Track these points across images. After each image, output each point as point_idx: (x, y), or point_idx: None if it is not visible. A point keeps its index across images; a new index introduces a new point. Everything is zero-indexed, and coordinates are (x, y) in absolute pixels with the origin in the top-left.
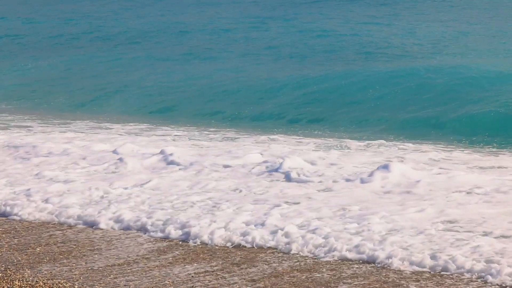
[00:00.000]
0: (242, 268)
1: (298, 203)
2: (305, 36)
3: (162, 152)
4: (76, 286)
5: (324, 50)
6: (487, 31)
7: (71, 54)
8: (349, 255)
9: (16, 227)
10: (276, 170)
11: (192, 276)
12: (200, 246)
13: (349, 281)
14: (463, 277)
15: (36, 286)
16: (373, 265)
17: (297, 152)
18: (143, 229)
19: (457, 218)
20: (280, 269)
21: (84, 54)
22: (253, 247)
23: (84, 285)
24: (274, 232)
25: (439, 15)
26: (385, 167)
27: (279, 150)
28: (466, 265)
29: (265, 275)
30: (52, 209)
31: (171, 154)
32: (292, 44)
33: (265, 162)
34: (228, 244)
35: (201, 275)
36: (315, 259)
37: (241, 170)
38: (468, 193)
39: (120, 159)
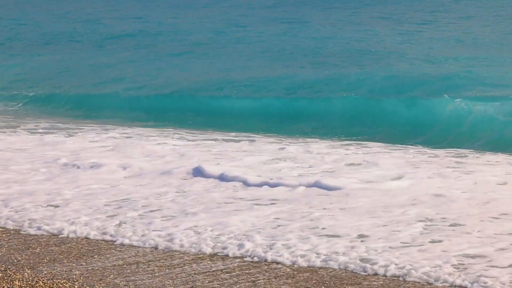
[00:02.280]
0: (242, 269)
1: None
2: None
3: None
4: (76, 286)
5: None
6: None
7: (63, 52)
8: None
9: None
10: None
11: (192, 277)
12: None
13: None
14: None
15: (36, 286)
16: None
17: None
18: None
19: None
20: (280, 270)
21: (76, 53)
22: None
23: (84, 285)
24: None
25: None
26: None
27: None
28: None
29: (266, 277)
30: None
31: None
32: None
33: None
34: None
35: (201, 275)
36: (315, 262)
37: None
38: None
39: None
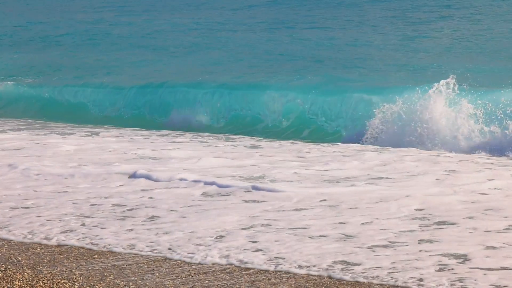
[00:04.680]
0: (242, 269)
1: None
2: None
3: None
4: (76, 286)
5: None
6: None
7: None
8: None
9: None
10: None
11: (192, 276)
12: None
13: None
14: None
15: (36, 286)
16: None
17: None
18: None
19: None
20: (280, 272)
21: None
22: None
23: (84, 285)
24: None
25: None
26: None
27: None
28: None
29: (265, 277)
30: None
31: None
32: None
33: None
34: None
35: (201, 275)
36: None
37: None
38: None
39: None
